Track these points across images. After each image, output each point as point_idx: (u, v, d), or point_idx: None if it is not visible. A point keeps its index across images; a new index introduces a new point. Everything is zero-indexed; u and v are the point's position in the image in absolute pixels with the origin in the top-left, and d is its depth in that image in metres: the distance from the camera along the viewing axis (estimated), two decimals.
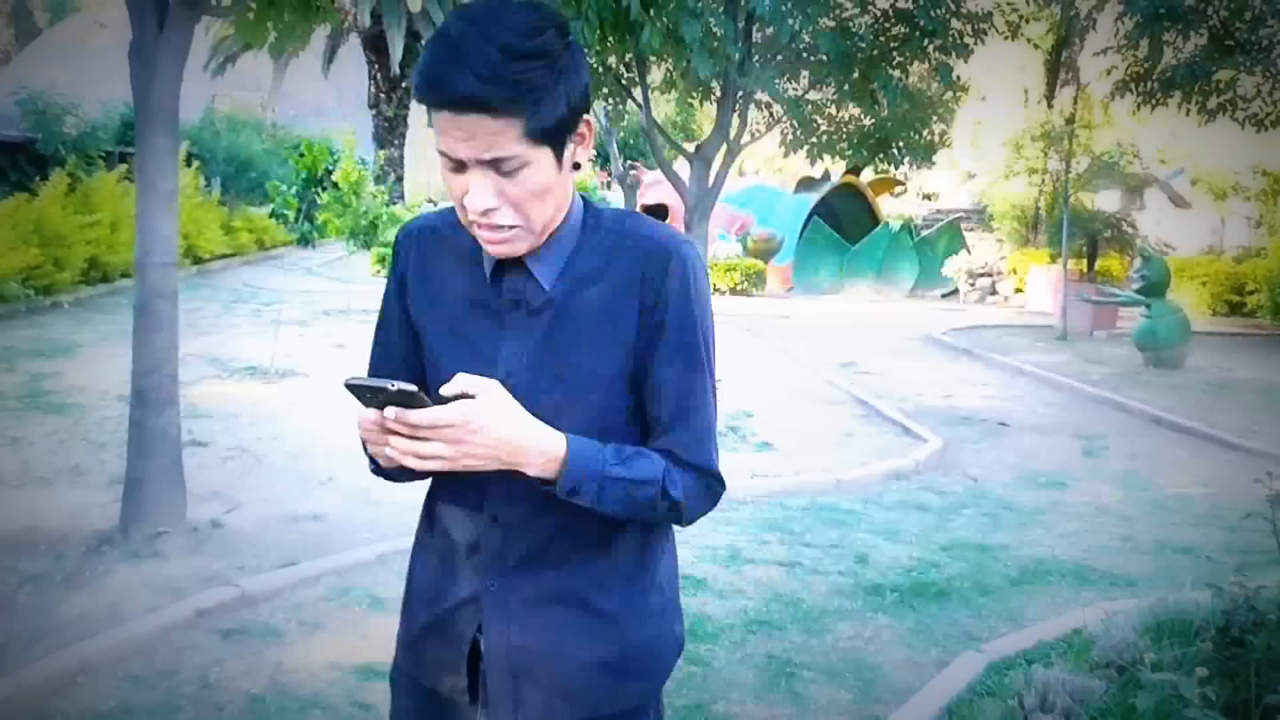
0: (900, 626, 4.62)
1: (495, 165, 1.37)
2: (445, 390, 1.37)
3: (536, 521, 1.53)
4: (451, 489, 1.60)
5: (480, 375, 1.40)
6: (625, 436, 1.52)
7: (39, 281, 12.05)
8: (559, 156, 1.42)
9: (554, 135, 1.39)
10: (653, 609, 1.61)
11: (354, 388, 1.37)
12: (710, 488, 1.57)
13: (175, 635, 4.14)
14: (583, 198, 1.57)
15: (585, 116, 1.45)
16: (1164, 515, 6.55)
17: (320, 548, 5.18)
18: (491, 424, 1.37)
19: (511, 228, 1.43)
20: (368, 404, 1.39)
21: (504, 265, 1.52)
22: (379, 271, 18.28)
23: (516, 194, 1.40)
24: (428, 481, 1.67)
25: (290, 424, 7.56)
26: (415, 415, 1.34)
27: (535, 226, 1.44)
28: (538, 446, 1.41)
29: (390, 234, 15.96)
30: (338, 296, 14.53)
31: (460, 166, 1.39)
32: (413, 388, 1.33)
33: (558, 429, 1.45)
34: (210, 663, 3.94)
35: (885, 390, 10.42)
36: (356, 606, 4.54)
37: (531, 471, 1.42)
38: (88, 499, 5.72)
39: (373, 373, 1.66)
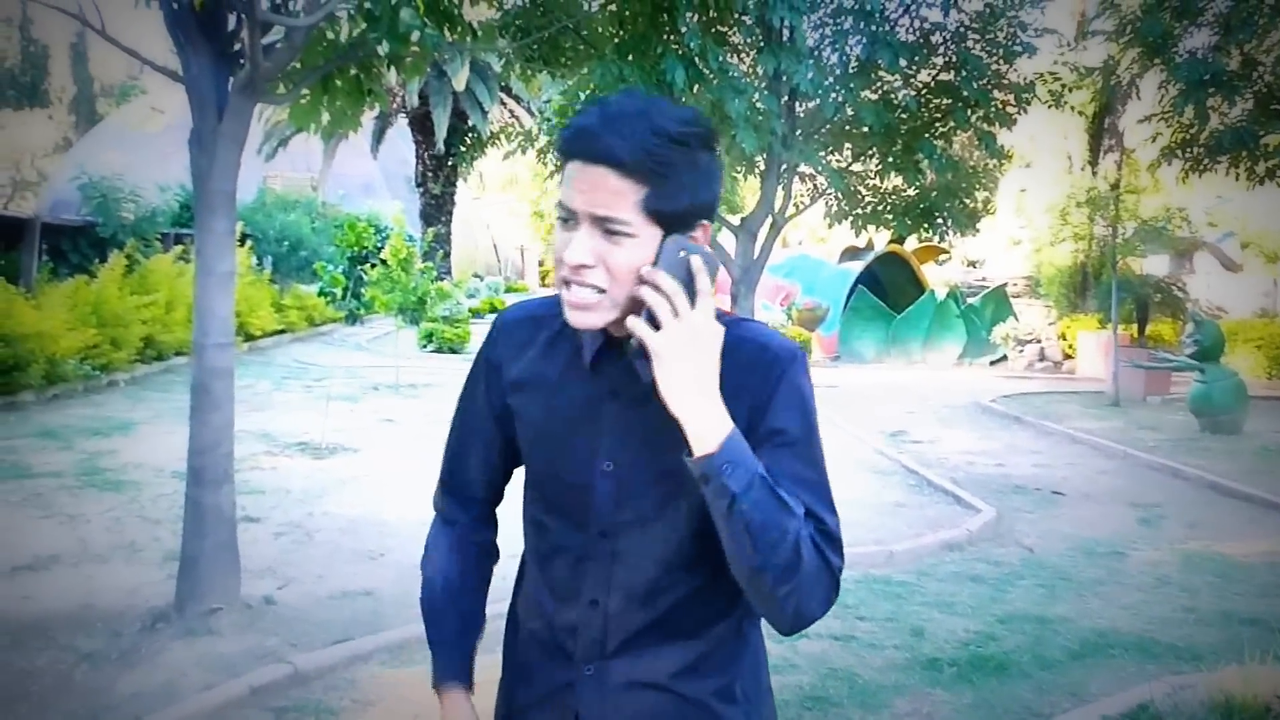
0: (959, 701, 4.53)
1: (604, 225, 1.39)
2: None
3: (637, 609, 1.53)
4: (546, 576, 1.61)
5: (580, 467, 1.44)
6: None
7: (96, 361, 12.29)
8: None
9: (668, 220, 1.41)
10: (740, 698, 1.60)
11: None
12: (830, 566, 1.45)
13: (230, 713, 4.14)
14: None
15: (704, 222, 1.46)
16: (1227, 586, 6.40)
17: (372, 624, 5.19)
18: (703, 337, 1.38)
19: (597, 292, 1.42)
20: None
21: (604, 353, 1.52)
22: (426, 346, 18.50)
23: (614, 262, 1.40)
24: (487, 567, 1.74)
25: (341, 499, 7.61)
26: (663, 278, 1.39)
27: (619, 299, 1.42)
28: (717, 398, 1.39)
29: (438, 309, 16.18)
30: (386, 371, 14.68)
31: (571, 222, 1.41)
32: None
33: (657, 528, 1.47)
34: None
35: (935, 459, 10.32)
36: (409, 683, 4.52)
37: (700, 418, 1.37)
38: (143, 576, 5.78)
39: (450, 457, 1.74)
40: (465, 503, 1.75)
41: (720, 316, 1.51)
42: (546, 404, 1.57)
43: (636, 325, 1.39)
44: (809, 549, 1.41)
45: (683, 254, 1.41)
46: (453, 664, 1.67)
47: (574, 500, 1.54)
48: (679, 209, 1.41)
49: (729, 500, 1.36)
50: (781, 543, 1.38)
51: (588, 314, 1.43)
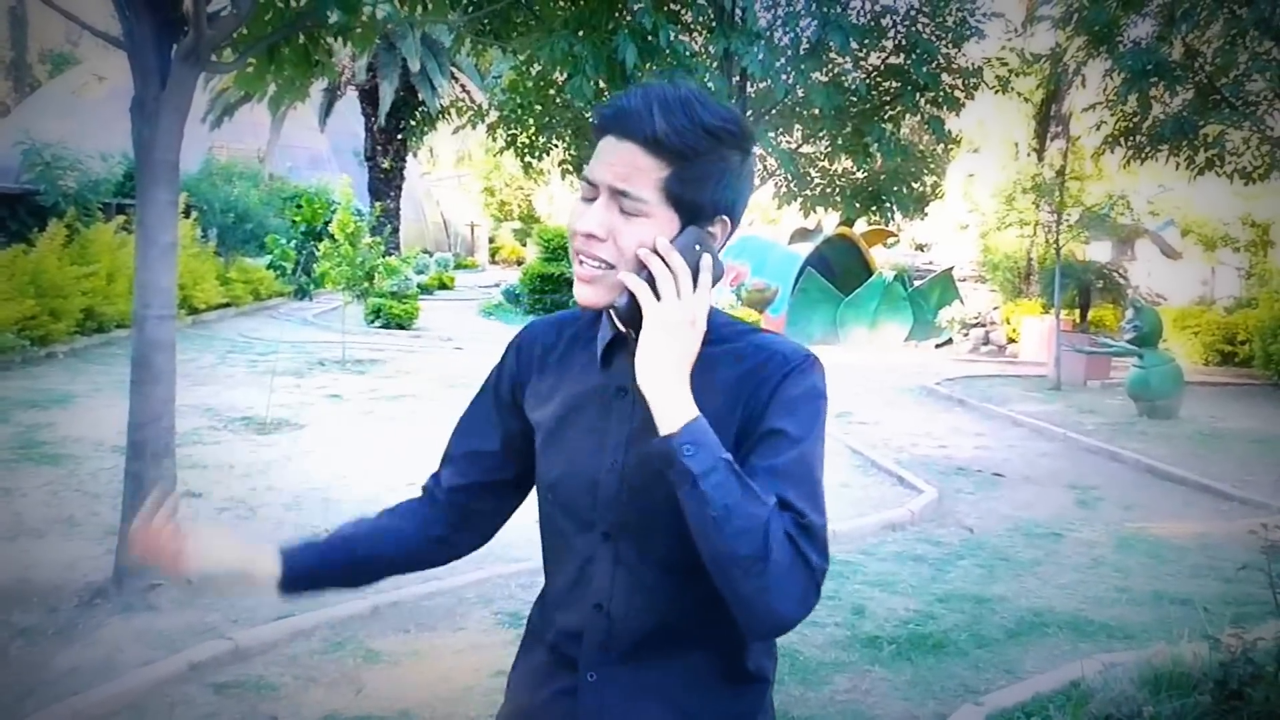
0: (898, 679, 4.60)
1: (621, 199, 1.41)
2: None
3: (642, 615, 1.49)
4: (557, 580, 1.58)
5: (588, 465, 1.46)
6: None
7: (34, 332, 12.03)
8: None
9: (685, 207, 1.42)
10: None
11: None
12: (808, 563, 1.35)
13: (168, 689, 4.11)
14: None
15: (723, 218, 1.46)
16: (1160, 566, 6.54)
17: (314, 600, 5.16)
18: (696, 326, 1.40)
19: (604, 267, 1.43)
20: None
21: (614, 348, 1.52)
22: (374, 321, 18.34)
23: (625, 239, 1.42)
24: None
25: (285, 475, 7.54)
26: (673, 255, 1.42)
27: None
28: (687, 387, 1.38)
29: (386, 285, 16.04)
30: (333, 347, 14.54)
31: (591, 198, 1.43)
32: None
33: (660, 529, 1.43)
34: (203, 717, 3.92)
35: (880, 440, 10.43)
36: (351, 659, 4.52)
37: (667, 399, 1.36)
38: (81, 551, 5.70)
39: (449, 457, 1.71)
40: (439, 477, 1.71)
41: (735, 325, 1.53)
42: (563, 403, 1.56)
43: (637, 285, 1.40)
44: (781, 541, 1.33)
45: (698, 247, 1.42)
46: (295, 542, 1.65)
47: (582, 500, 1.51)
48: (698, 199, 1.42)
49: (690, 482, 1.33)
50: (747, 531, 1.31)
51: (592, 288, 1.44)
